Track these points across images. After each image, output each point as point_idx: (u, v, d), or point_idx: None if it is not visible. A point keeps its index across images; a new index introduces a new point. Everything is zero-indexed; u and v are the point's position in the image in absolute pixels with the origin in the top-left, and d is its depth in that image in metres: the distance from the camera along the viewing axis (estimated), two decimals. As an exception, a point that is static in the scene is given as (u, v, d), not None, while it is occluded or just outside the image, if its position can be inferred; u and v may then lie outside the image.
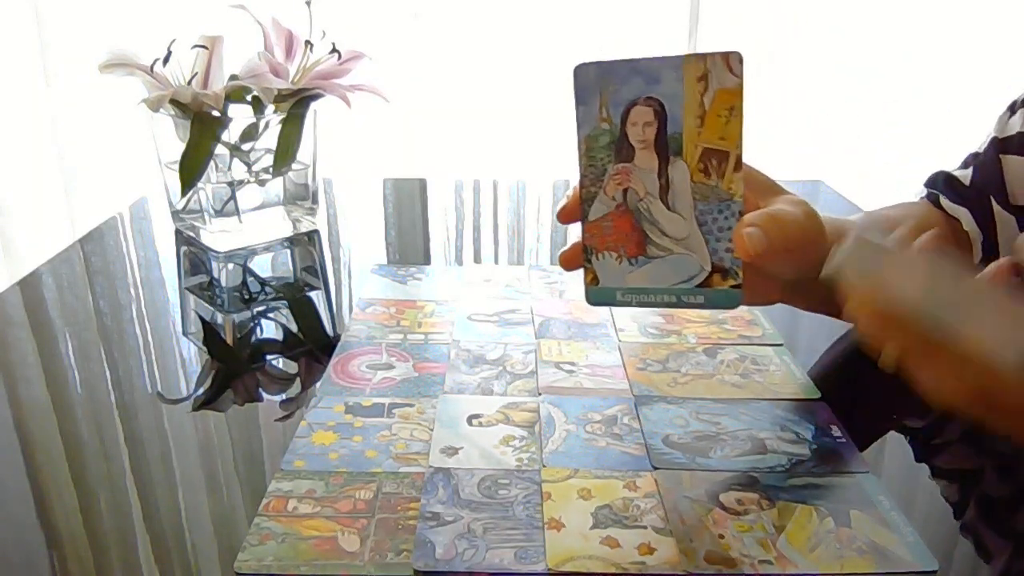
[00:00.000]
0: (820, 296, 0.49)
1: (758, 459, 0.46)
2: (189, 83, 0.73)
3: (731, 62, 0.39)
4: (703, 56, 0.40)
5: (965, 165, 0.62)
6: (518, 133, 1.71)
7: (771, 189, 0.45)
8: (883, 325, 0.39)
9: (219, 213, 0.76)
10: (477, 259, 0.78)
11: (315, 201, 0.82)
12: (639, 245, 0.44)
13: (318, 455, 0.46)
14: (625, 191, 0.43)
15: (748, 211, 0.42)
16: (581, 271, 0.46)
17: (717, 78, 0.40)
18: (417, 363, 0.56)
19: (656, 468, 0.45)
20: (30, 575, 0.39)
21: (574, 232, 0.46)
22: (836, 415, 0.51)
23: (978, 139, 0.62)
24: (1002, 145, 0.58)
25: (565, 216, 0.45)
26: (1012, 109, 0.60)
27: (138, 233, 0.87)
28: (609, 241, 0.44)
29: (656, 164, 0.42)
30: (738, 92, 0.40)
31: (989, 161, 0.59)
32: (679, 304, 0.44)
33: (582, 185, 0.44)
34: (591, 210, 0.44)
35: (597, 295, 0.46)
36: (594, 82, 0.42)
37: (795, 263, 0.45)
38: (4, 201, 1.62)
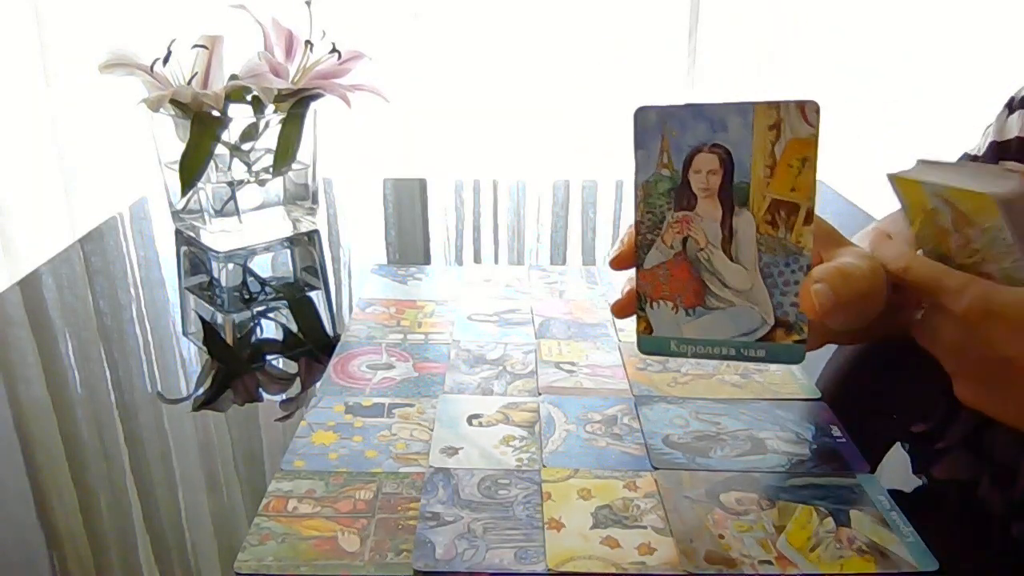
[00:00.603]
0: (862, 335, 0.49)
1: (758, 459, 0.46)
2: (189, 83, 0.73)
3: (807, 111, 0.38)
4: (776, 104, 0.38)
5: None
6: (518, 133, 1.71)
7: (835, 240, 0.44)
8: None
9: (219, 213, 0.76)
10: (477, 259, 0.78)
11: (315, 201, 0.82)
12: (697, 295, 0.42)
13: (318, 455, 0.46)
14: (684, 239, 0.42)
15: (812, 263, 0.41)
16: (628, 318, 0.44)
17: (790, 127, 0.38)
18: (417, 363, 0.56)
19: (656, 468, 0.45)
20: (30, 575, 0.40)
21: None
22: (836, 415, 0.51)
23: (976, 138, 0.62)
24: (1001, 149, 0.58)
25: (618, 264, 0.44)
26: (1010, 107, 0.59)
27: (138, 233, 0.87)
28: (665, 290, 0.43)
29: (720, 213, 0.41)
30: (813, 143, 0.38)
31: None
32: (738, 357, 0.43)
33: (638, 232, 0.42)
34: (647, 258, 0.43)
35: (650, 344, 0.44)
36: (655, 126, 0.40)
37: (855, 319, 0.43)
38: (4, 201, 1.63)
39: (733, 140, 0.39)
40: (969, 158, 0.61)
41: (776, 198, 0.40)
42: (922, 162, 0.45)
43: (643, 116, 0.41)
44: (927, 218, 0.43)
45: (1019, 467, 0.45)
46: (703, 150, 0.40)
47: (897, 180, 0.45)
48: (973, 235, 0.40)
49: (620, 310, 0.45)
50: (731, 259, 0.41)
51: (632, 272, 0.44)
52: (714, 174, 0.40)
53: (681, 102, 0.40)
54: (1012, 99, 0.59)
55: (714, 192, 0.40)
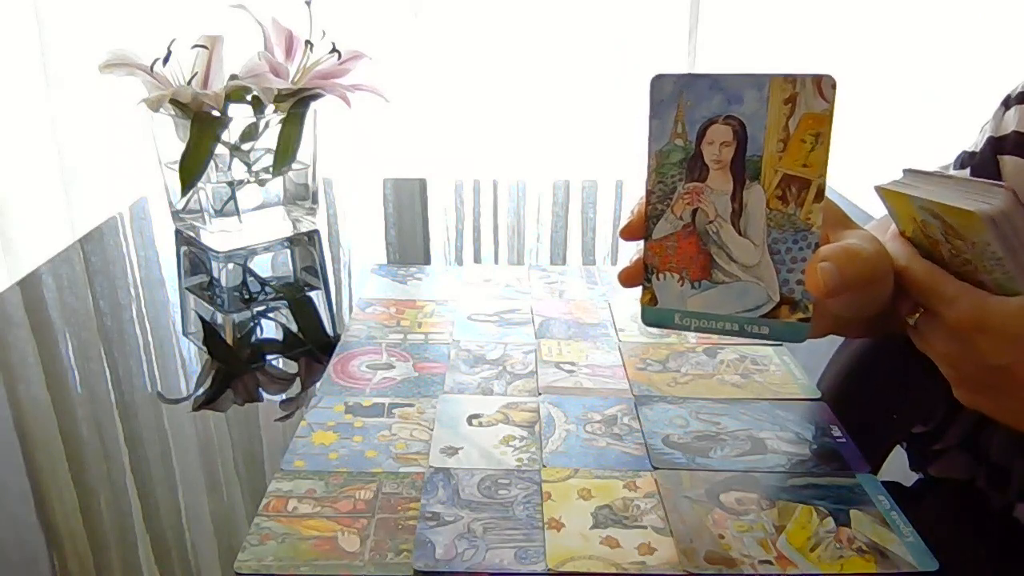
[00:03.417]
0: (870, 327, 0.50)
1: (758, 459, 0.46)
2: (189, 83, 0.73)
3: (823, 86, 0.38)
4: (792, 77, 0.38)
5: (961, 165, 0.61)
6: (518, 133, 1.71)
7: (842, 222, 0.44)
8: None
9: (219, 213, 0.76)
10: (477, 259, 0.78)
11: (315, 201, 0.82)
12: (704, 269, 0.42)
13: (318, 455, 0.46)
14: (694, 211, 0.41)
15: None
16: (637, 290, 0.44)
17: (805, 102, 0.38)
18: (417, 363, 0.56)
19: (656, 468, 0.45)
20: (30, 575, 0.40)
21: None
22: (836, 415, 0.51)
23: (975, 135, 0.62)
24: (998, 145, 0.58)
25: (629, 233, 0.43)
26: (1006, 104, 0.59)
27: (138, 233, 0.87)
28: (672, 262, 0.43)
29: (730, 186, 0.40)
30: (827, 118, 0.38)
31: (986, 162, 0.58)
32: (741, 333, 0.42)
33: (648, 201, 0.42)
34: (656, 228, 0.42)
35: (654, 316, 0.44)
36: (670, 95, 0.40)
37: (860, 302, 0.43)
38: (4, 201, 1.62)
39: (748, 113, 0.39)
40: (967, 155, 0.61)
41: (788, 173, 0.39)
42: (908, 171, 0.45)
43: (659, 85, 0.40)
44: (918, 228, 0.44)
45: (1013, 468, 0.45)
46: (717, 121, 0.40)
47: (885, 192, 0.45)
48: (963, 247, 0.40)
49: (627, 278, 0.44)
50: (739, 233, 0.41)
51: (642, 244, 0.44)
52: (727, 146, 0.40)
53: (697, 71, 0.40)
54: (1008, 96, 0.59)
55: (726, 164, 0.40)
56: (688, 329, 0.43)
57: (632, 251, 0.45)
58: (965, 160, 0.61)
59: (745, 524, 0.41)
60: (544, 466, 0.45)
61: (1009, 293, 0.40)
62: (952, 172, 0.62)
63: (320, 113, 0.78)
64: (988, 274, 0.40)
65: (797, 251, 0.40)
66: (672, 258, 0.43)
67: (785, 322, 0.41)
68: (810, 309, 0.41)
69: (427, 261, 0.77)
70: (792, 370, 0.56)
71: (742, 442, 0.48)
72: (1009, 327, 0.39)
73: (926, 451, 0.49)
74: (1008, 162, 0.56)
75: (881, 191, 0.45)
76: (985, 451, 0.47)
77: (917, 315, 0.44)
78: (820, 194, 0.39)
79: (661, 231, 0.42)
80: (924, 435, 0.51)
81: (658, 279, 0.43)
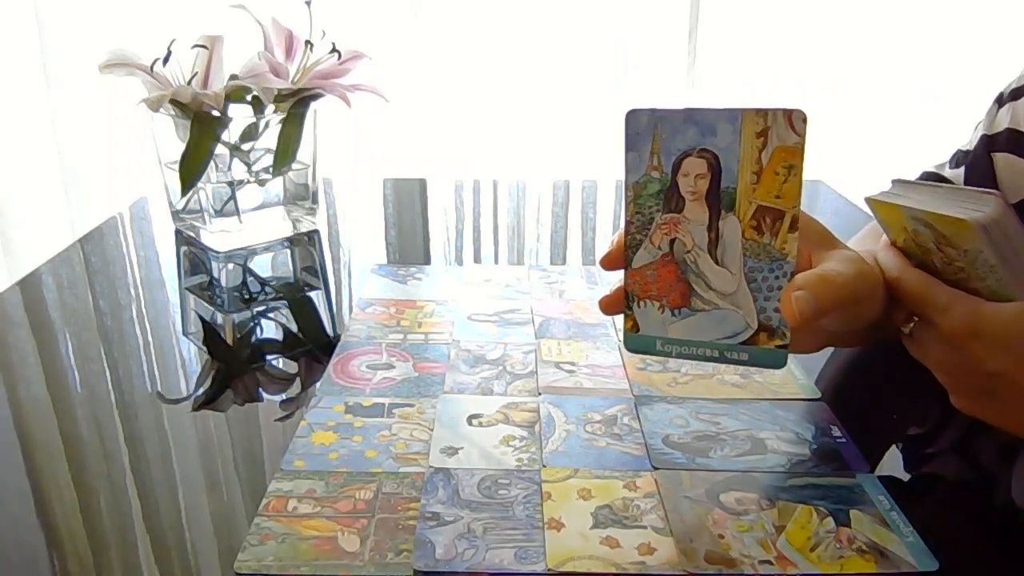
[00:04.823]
0: (863, 338, 0.50)
1: (758, 459, 0.46)
2: (189, 83, 0.73)
3: (794, 120, 0.38)
4: (764, 111, 0.39)
5: (956, 164, 0.61)
6: (518, 133, 1.71)
7: (825, 241, 0.44)
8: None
9: (219, 213, 0.76)
10: (477, 259, 0.78)
11: (315, 201, 0.82)
12: (683, 297, 0.43)
13: (318, 455, 0.46)
14: (672, 241, 0.42)
15: (800, 262, 0.41)
16: (621, 317, 0.45)
17: (777, 135, 0.39)
18: (417, 363, 0.56)
19: (656, 468, 0.45)
20: (30, 575, 0.40)
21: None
22: (836, 415, 0.51)
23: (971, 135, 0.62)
24: (991, 142, 0.58)
25: (609, 263, 0.44)
26: (999, 101, 0.59)
27: (138, 233, 0.87)
28: (652, 290, 0.43)
29: (706, 217, 0.41)
30: (799, 151, 0.39)
31: (980, 160, 0.58)
32: (721, 359, 0.43)
33: (627, 232, 0.43)
34: (635, 257, 0.43)
35: (636, 343, 0.45)
36: (645, 129, 0.41)
37: (845, 320, 0.44)
38: (4, 201, 1.62)
39: (721, 145, 0.40)
40: (961, 154, 0.61)
41: (762, 204, 0.40)
42: (897, 182, 0.45)
43: (634, 119, 0.41)
44: (909, 238, 0.44)
45: (1001, 475, 0.45)
46: (692, 154, 0.41)
47: (875, 203, 0.45)
48: (955, 255, 0.41)
49: (607, 306, 0.45)
50: (717, 262, 0.42)
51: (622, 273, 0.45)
52: (702, 178, 0.41)
53: (672, 106, 0.40)
54: (1001, 94, 0.59)
55: (701, 196, 0.41)
56: (670, 355, 0.44)
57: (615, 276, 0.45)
58: (960, 159, 0.61)
59: (745, 524, 0.41)
60: (544, 466, 0.45)
61: (1003, 299, 0.40)
62: (946, 171, 0.62)
63: (320, 113, 0.78)
64: (981, 281, 0.40)
65: (773, 279, 0.41)
66: (652, 286, 0.43)
67: (764, 348, 0.42)
68: (788, 335, 0.41)
69: (427, 261, 0.77)
70: (792, 370, 0.56)
71: (742, 442, 0.48)
72: (1003, 334, 0.39)
73: (919, 453, 0.49)
74: (1000, 159, 0.56)
75: (871, 202, 0.45)
76: (976, 456, 0.47)
77: (911, 324, 0.44)
78: (794, 224, 0.40)
79: (640, 260, 0.43)
80: (918, 437, 0.51)
81: (639, 307, 0.44)
